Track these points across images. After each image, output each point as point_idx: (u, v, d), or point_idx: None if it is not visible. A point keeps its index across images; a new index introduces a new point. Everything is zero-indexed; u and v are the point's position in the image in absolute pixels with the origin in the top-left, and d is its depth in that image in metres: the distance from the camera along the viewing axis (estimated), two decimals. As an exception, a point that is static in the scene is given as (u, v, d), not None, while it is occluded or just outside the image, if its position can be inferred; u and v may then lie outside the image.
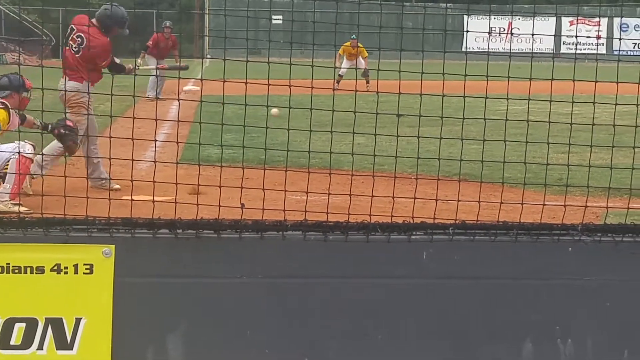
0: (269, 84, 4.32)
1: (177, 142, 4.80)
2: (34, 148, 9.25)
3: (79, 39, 10.53)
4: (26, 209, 8.57)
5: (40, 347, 3.91)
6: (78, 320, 3.93)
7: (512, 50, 4.99)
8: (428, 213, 4.27)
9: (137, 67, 14.08)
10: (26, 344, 3.90)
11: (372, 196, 4.26)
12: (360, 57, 29.01)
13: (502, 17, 51.10)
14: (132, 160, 4.32)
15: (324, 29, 4.96)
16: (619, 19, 52.61)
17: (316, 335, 4.12)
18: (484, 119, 4.45)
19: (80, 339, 3.93)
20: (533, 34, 4.76)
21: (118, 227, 3.99)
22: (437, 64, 4.55)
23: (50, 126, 9.53)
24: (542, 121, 4.67)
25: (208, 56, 24.04)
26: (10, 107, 9.28)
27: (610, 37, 52.74)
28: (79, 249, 3.92)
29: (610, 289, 4.19)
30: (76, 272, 3.91)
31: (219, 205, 4.21)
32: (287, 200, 4.29)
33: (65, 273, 3.90)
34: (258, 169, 4.40)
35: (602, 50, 52.06)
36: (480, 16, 43.93)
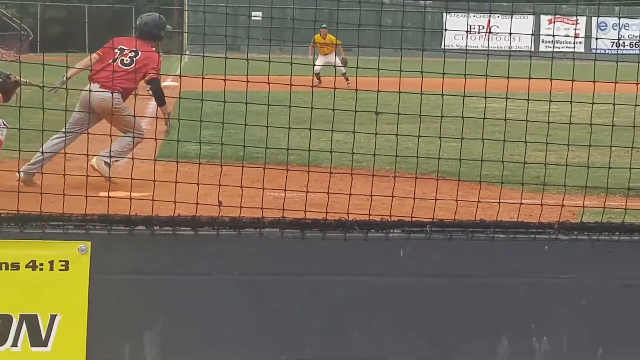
0: (247, 81, 4.31)
1: (155, 139, 4.79)
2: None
3: (131, 53, 10.90)
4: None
5: (14, 344, 3.89)
6: (53, 317, 3.91)
7: (490, 48, 4.99)
8: (406, 211, 4.27)
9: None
10: (0, 340, 3.87)
11: (350, 194, 4.26)
12: (334, 51, 28.11)
13: (482, 15, 51.29)
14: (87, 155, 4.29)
15: (303, 26, 4.95)
16: (597, 18, 52.86)
17: (293, 332, 4.11)
18: (462, 117, 4.45)
19: (55, 336, 3.91)
20: (511, 33, 4.76)
21: (94, 224, 3.97)
22: (416, 61, 4.55)
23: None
24: (519, 119, 4.67)
25: (187, 52, 23.99)
26: None
27: (588, 37, 52.98)
28: (54, 246, 3.90)
29: (586, 287, 4.20)
30: (52, 268, 3.88)
31: (197, 203, 4.19)
32: (265, 197, 4.28)
33: (41, 270, 3.88)
34: (236, 165, 4.37)
35: (581, 48, 52.27)
36: (460, 14, 44.09)
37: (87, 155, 4.47)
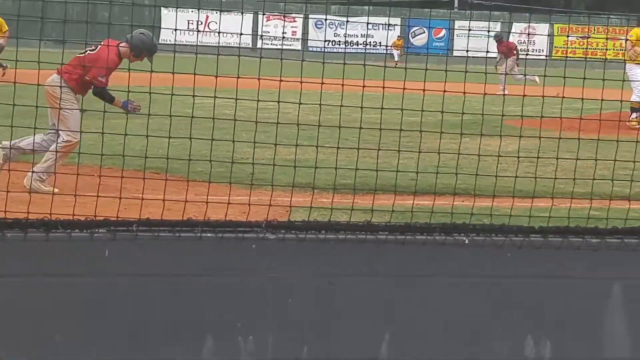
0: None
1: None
2: None
3: (93, 45, 10.22)
4: None
5: None
6: None
7: (209, 44, 4.95)
8: (113, 210, 4.15)
9: None
10: None
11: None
12: None
13: (201, 10, 51.30)
14: None
15: None
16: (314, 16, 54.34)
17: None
18: (170, 115, 4.39)
19: None
20: (219, 32, 4.74)
21: None
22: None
23: None
24: (234, 119, 4.65)
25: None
26: None
27: (305, 38, 54.26)
28: None
29: (292, 285, 4.25)
30: None
31: None
32: None
33: None
34: None
35: (298, 46, 53.42)
36: (178, 9, 43.85)
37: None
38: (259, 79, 4.37)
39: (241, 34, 16.90)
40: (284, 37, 51.86)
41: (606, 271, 4.35)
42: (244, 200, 4.72)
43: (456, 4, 74.00)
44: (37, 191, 8.12)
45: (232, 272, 4.21)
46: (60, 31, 4.35)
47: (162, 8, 44.10)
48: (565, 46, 56.01)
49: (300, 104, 4.54)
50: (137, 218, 4.06)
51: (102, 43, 9.85)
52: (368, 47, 57.66)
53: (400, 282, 4.34)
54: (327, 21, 52.32)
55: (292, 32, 57.22)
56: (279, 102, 4.60)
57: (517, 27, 55.11)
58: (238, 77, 4.48)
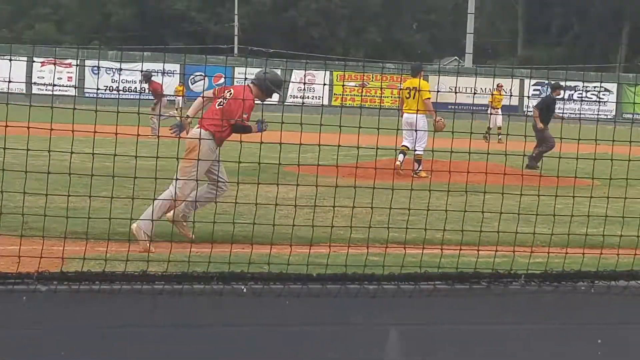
0: None
1: None
2: None
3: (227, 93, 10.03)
4: None
5: None
6: None
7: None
8: None
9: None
10: None
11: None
12: None
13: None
14: None
15: None
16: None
17: None
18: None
19: None
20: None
21: None
22: None
23: None
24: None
25: None
26: None
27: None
28: None
29: (65, 338, 4.09)
30: None
31: None
32: None
33: None
34: None
35: (73, 92, 52.42)
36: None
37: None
38: (28, 127, 4.23)
39: (10, 81, 16.54)
40: (54, 85, 50.73)
41: (383, 317, 4.42)
42: (15, 250, 4.52)
43: (236, 51, 74.87)
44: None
45: (2, 325, 4.00)
46: None
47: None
48: (345, 93, 57.57)
49: (72, 152, 4.41)
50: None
51: (229, 91, 10.04)
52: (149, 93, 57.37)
53: (178, 332, 4.25)
54: (104, 68, 51.77)
55: (68, 77, 56.16)
56: (49, 150, 4.45)
57: (296, 74, 56.26)
58: (6, 125, 4.32)
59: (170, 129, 8.73)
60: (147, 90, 29.35)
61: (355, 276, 4.34)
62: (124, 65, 54.57)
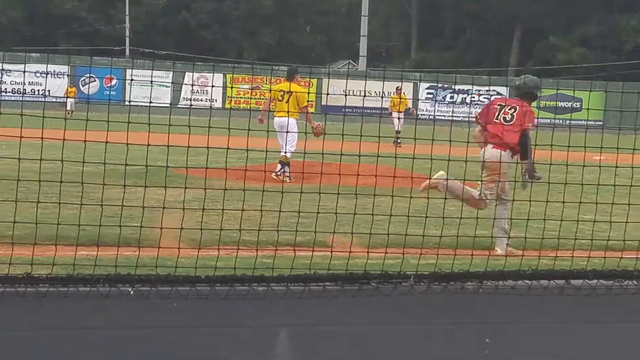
0: None
1: None
2: None
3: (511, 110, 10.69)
4: None
5: None
6: None
7: None
8: None
9: None
10: None
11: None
12: None
13: None
14: None
15: None
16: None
17: None
18: None
19: None
20: None
21: None
22: None
23: None
24: None
25: None
26: None
27: None
28: None
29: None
30: None
31: None
32: None
33: None
34: None
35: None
36: None
37: None
38: None
39: None
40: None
41: (272, 319, 4.40)
42: None
43: (127, 52, 74.11)
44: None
45: None
46: None
47: None
48: (238, 96, 57.50)
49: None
50: None
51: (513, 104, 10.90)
52: (39, 94, 56.39)
53: (64, 334, 4.17)
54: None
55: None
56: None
57: (189, 76, 55.99)
58: None
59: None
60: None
61: (244, 278, 4.31)
62: (10, 67, 53.53)
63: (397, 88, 39.58)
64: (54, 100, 54.63)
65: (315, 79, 60.93)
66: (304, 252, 4.93)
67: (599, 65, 76.98)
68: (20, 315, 4.11)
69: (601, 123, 11.94)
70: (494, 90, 65.37)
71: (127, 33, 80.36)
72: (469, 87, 63.59)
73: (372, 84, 56.50)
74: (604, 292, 4.70)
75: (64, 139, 4.36)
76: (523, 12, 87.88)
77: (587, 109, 52.26)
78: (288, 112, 18.00)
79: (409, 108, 38.66)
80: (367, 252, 4.83)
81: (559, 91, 62.00)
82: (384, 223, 4.97)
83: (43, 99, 52.63)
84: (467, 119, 54.90)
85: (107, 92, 56.45)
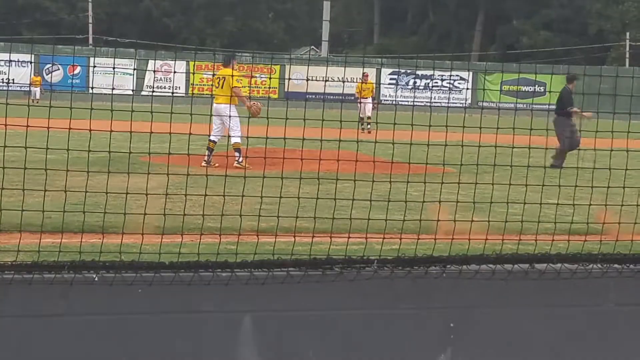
0: None
1: None
2: None
3: None
4: None
5: None
6: None
7: None
8: None
9: None
10: None
11: None
12: None
13: None
14: None
15: None
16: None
17: None
18: None
19: None
20: None
21: None
22: None
23: None
24: None
25: None
26: None
27: None
28: None
29: None
30: None
31: None
32: None
33: None
34: None
35: None
36: None
37: None
38: None
39: None
40: None
41: (236, 304, 4.42)
42: None
43: (90, 41, 73.58)
44: None
45: None
46: None
47: None
48: (201, 83, 57.26)
49: None
50: None
51: None
52: (3, 83, 55.90)
53: (28, 322, 4.16)
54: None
55: None
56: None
57: (152, 64, 55.67)
58: None
59: None
60: None
61: (208, 264, 4.32)
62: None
63: (363, 74, 39.66)
64: (18, 89, 54.15)
65: (278, 66, 60.81)
66: (268, 238, 4.94)
67: (563, 49, 77.40)
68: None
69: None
70: (457, 75, 65.61)
71: (90, 21, 79.74)
72: (431, 72, 63.71)
73: (334, 70, 56.55)
74: (568, 275, 4.74)
75: (28, 127, 4.33)
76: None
77: (550, 92, 52.44)
78: (223, 97, 17.88)
79: (373, 98, 38.80)
80: (330, 238, 4.85)
81: (521, 75, 62.36)
82: (347, 208, 4.99)
83: (6, 88, 52.18)
84: (429, 104, 55.02)
85: (71, 81, 56.01)
